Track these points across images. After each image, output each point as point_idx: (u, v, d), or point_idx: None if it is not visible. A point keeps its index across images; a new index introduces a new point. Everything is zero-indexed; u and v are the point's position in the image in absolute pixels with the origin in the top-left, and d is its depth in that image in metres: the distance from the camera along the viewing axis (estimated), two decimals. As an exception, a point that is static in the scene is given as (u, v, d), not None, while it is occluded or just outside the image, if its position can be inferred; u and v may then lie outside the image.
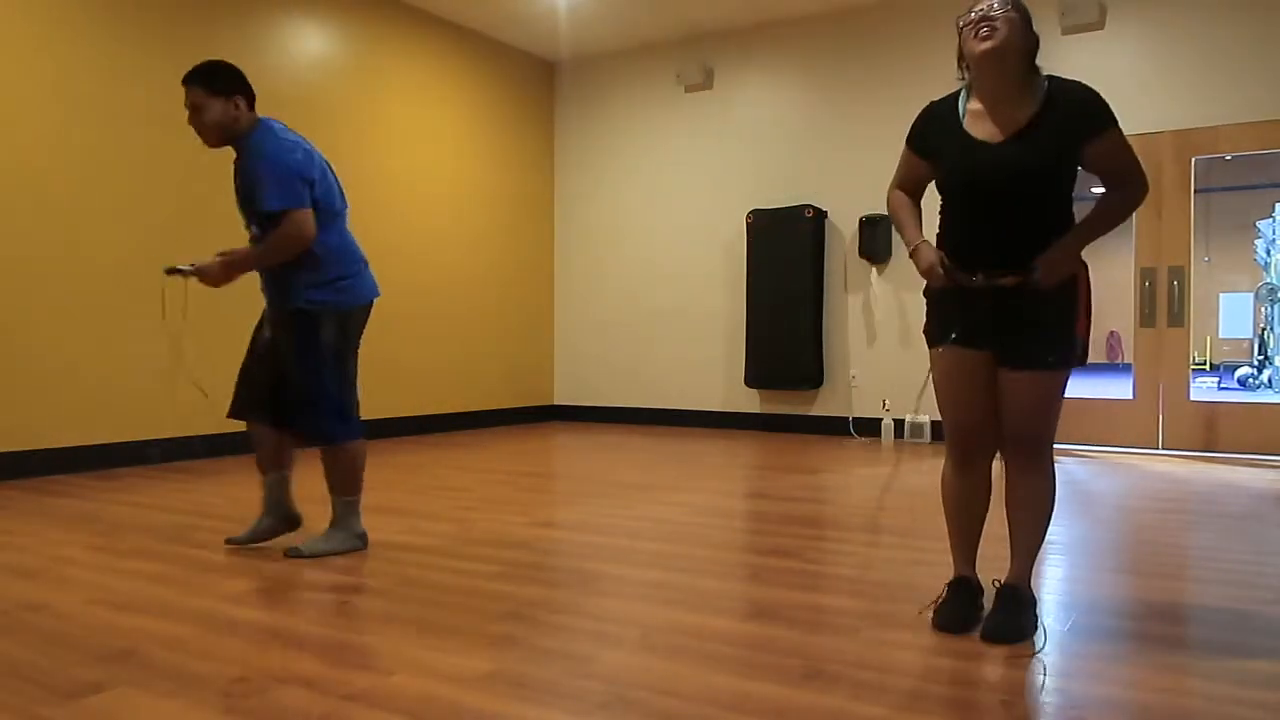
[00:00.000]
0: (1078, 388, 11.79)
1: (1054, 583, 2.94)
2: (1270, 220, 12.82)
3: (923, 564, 3.08)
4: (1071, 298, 2.32)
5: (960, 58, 2.34)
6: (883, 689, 2.00)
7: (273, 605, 2.62)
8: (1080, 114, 2.26)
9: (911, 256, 2.43)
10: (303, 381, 3.15)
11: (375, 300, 3.31)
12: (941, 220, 2.44)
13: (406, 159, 7.17)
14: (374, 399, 6.95)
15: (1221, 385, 13.26)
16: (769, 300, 7.40)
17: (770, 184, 7.54)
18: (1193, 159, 6.21)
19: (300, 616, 2.52)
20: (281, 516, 3.32)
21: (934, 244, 2.43)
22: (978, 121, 2.33)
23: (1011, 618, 2.34)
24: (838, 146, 7.26)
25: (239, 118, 3.11)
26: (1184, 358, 6.30)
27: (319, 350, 3.14)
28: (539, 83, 8.49)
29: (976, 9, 2.27)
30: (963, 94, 2.39)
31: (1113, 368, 17.58)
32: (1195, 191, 6.27)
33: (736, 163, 7.75)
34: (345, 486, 3.25)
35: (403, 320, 7.12)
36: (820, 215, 7.28)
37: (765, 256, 7.42)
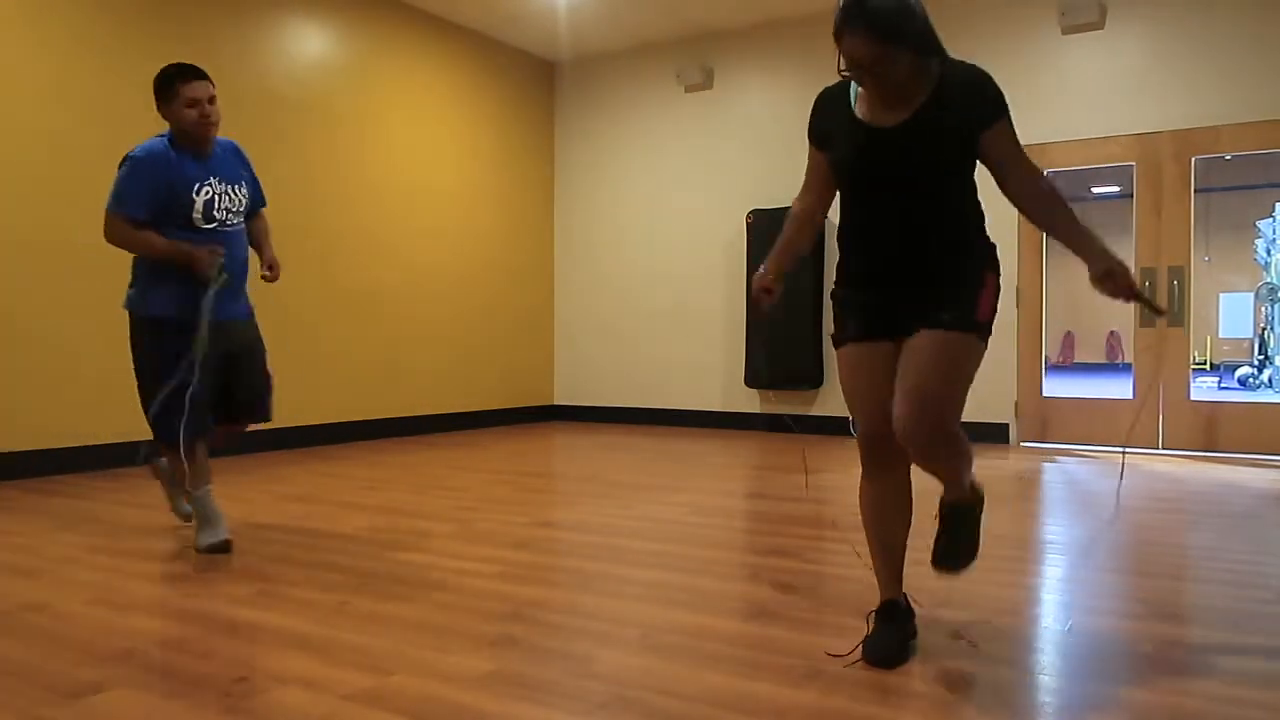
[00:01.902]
0: (1077, 388, 11.62)
1: (1054, 583, 2.94)
2: (1270, 220, 12.83)
3: (922, 564, 3.07)
4: (975, 285, 2.16)
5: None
6: (883, 689, 2.00)
7: (273, 605, 2.62)
8: (975, 102, 2.13)
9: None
10: (264, 372, 3.53)
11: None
12: (841, 222, 2.32)
13: (406, 159, 7.17)
14: (374, 399, 6.98)
15: (1222, 385, 13.27)
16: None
17: (770, 184, 7.54)
18: (1193, 159, 6.21)
19: (300, 616, 2.52)
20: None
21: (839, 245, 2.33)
22: (868, 105, 2.20)
23: (956, 537, 2.22)
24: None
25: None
26: (1184, 358, 6.30)
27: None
28: (539, 83, 8.49)
29: (847, 55, 2.13)
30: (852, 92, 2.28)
31: (1113, 367, 17.59)
32: (1195, 191, 6.27)
33: (736, 163, 7.75)
34: None
35: (402, 320, 7.12)
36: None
37: (765, 256, 7.40)
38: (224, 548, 3.23)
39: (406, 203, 7.18)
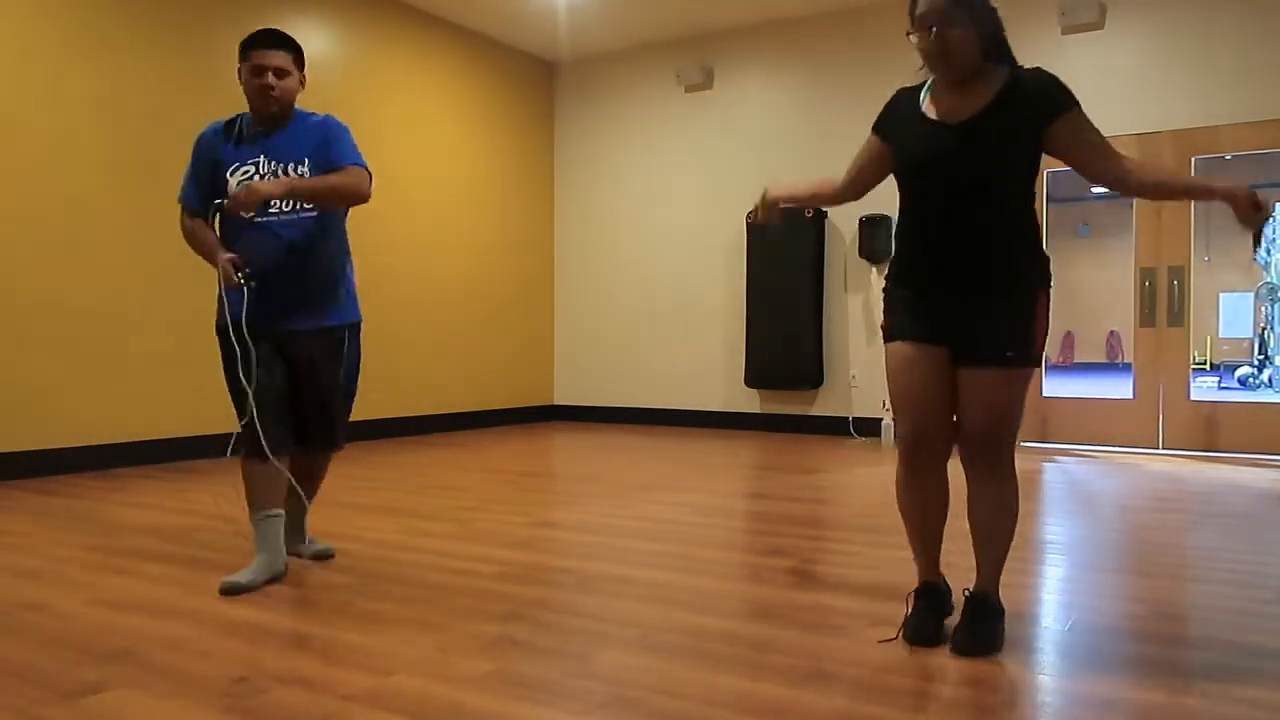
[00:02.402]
0: (1078, 388, 11.63)
1: (1054, 583, 2.94)
2: (1270, 220, 12.82)
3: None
4: (1030, 299, 2.26)
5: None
6: (883, 689, 2.00)
7: (273, 605, 2.62)
8: (1041, 97, 2.20)
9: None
10: (345, 395, 3.07)
11: None
12: (901, 222, 2.38)
13: (406, 159, 7.17)
14: (374, 399, 6.96)
15: (1222, 385, 13.26)
16: (769, 300, 7.40)
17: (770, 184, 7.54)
18: (1193, 159, 6.21)
19: (300, 616, 2.52)
20: (282, 556, 2.94)
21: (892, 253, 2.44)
22: (936, 105, 2.30)
23: (980, 629, 2.27)
24: (838, 146, 7.24)
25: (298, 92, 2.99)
26: (1184, 357, 6.30)
27: (358, 361, 3.10)
28: (539, 83, 8.49)
29: (920, 14, 2.21)
30: (927, 84, 2.36)
31: (1113, 367, 17.59)
32: (1195, 191, 6.26)
33: (736, 163, 7.75)
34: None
35: (402, 320, 7.12)
36: (820, 215, 7.28)
37: (765, 256, 7.43)
38: (232, 589, 2.75)
39: (406, 203, 7.18)
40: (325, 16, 6.54)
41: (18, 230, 4.92)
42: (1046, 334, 2.30)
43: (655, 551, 3.30)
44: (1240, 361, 14.24)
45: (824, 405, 7.39)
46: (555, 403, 8.65)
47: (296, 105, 2.98)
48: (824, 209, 7.28)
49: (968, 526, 2.36)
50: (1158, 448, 6.31)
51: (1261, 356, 13.04)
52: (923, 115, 2.31)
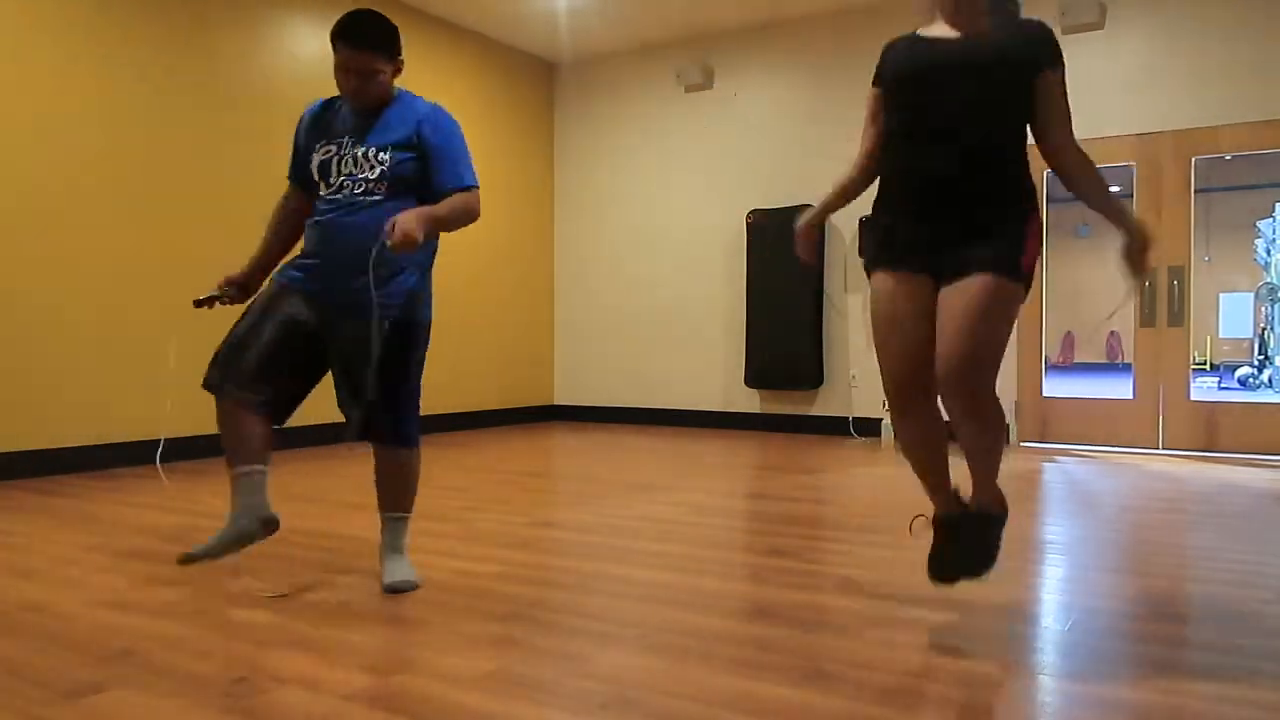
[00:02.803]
0: (1078, 388, 11.64)
1: (1054, 583, 2.94)
2: (1270, 220, 12.83)
3: (922, 564, 3.07)
4: (1020, 221, 2.23)
5: None
6: (883, 689, 2.00)
7: (273, 605, 2.62)
8: (1043, 42, 2.25)
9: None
10: (408, 383, 2.84)
11: None
12: (887, 142, 2.36)
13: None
14: (374, 399, 6.96)
15: (1222, 385, 13.26)
16: (769, 300, 7.40)
17: (770, 184, 7.54)
18: (1193, 159, 6.21)
19: (300, 616, 2.52)
20: (262, 518, 2.76)
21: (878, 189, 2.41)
22: (937, 32, 2.32)
23: (974, 545, 2.29)
24: (838, 146, 7.25)
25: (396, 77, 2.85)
26: (1184, 358, 6.30)
27: (421, 360, 2.89)
28: (539, 83, 8.49)
29: None
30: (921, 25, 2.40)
31: (1113, 367, 17.58)
32: (1195, 191, 6.27)
33: (736, 163, 7.75)
34: (404, 499, 2.92)
35: (403, 320, 7.11)
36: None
37: (765, 256, 7.43)
38: (186, 559, 2.61)
39: (406, 203, 7.17)
40: (326, 16, 6.54)
41: (17, 230, 4.92)
42: (1036, 255, 2.24)
43: (655, 551, 3.30)
44: (1240, 362, 14.24)
45: (824, 405, 7.39)
46: (555, 403, 8.65)
47: (398, 86, 2.87)
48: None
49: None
50: (1158, 448, 6.31)
51: (1261, 357, 13.04)
52: (919, 38, 2.33)
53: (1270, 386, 12.46)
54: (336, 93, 2.90)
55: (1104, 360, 19.16)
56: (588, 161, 8.50)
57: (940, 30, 2.30)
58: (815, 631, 2.39)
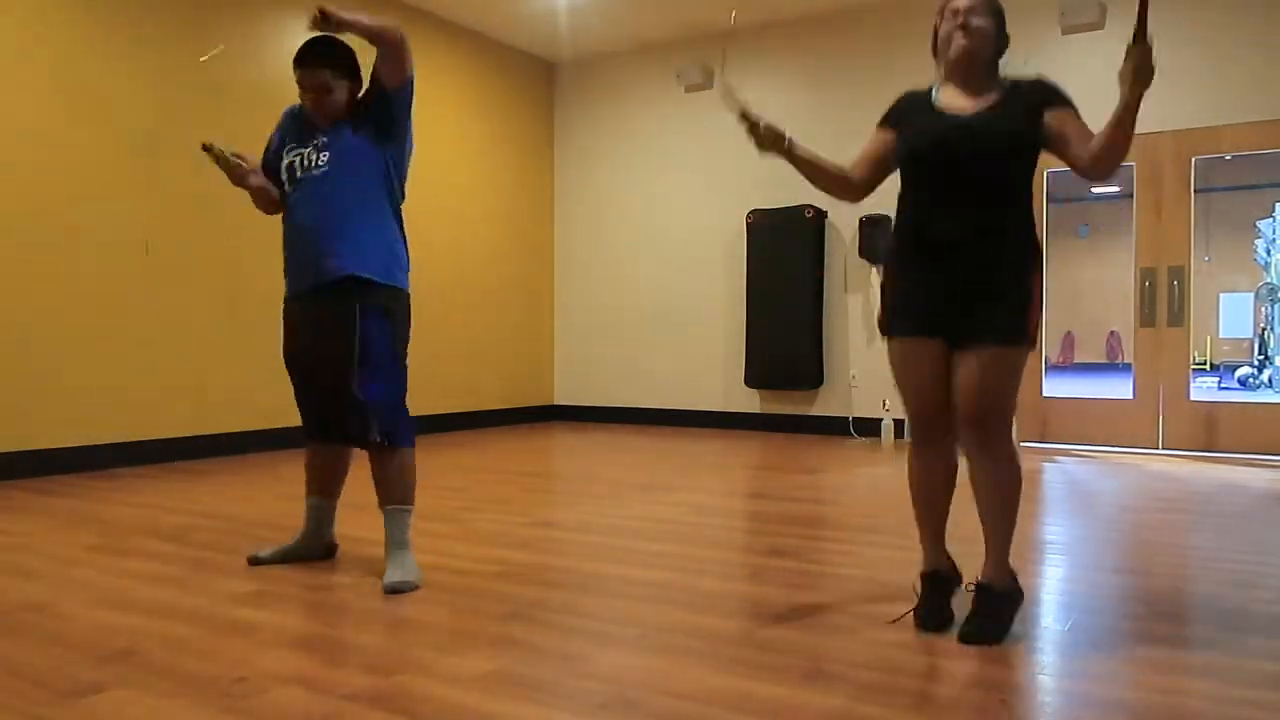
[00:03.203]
0: (1078, 388, 11.62)
1: (1054, 583, 2.94)
2: (1270, 220, 12.83)
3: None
4: (1025, 282, 2.38)
5: (934, 48, 2.51)
6: (883, 689, 2.00)
7: (273, 605, 2.62)
8: (1040, 90, 2.43)
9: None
10: (378, 372, 2.90)
11: None
12: (902, 205, 2.51)
13: (406, 159, 7.16)
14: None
15: (1222, 385, 13.26)
16: (769, 300, 7.40)
17: (770, 184, 7.54)
18: (1193, 159, 6.21)
19: (300, 616, 2.52)
20: (324, 544, 3.11)
21: (892, 229, 2.57)
22: (950, 102, 2.47)
23: (987, 620, 2.33)
24: (838, 146, 7.23)
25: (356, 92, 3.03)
26: (1184, 358, 6.30)
27: (395, 339, 2.99)
28: (539, 83, 8.49)
29: (954, 7, 2.44)
30: (934, 87, 2.54)
31: (1113, 368, 17.59)
32: (1195, 191, 6.27)
33: (736, 163, 7.74)
34: (400, 493, 2.97)
35: (403, 320, 7.11)
36: (820, 215, 7.28)
37: (765, 256, 7.42)
38: (252, 560, 3.00)
39: (406, 202, 7.17)
40: (325, 16, 6.54)
41: (18, 230, 4.92)
42: (1041, 315, 2.41)
43: (655, 551, 3.30)
44: (1240, 362, 14.24)
45: (824, 405, 7.39)
46: (555, 403, 8.65)
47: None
48: (823, 209, 7.29)
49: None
50: (1158, 448, 6.31)
51: (1261, 357, 13.04)
52: (934, 107, 2.47)
53: (1270, 386, 12.46)
54: None
55: (1104, 360, 19.16)
56: (588, 161, 8.50)
57: (952, 98, 2.46)
58: (815, 631, 2.39)
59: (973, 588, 2.41)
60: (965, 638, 2.30)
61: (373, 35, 2.80)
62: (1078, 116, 2.41)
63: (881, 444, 6.75)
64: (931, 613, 2.41)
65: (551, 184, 8.66)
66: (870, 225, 7.07)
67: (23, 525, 3.74)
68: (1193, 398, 6.31)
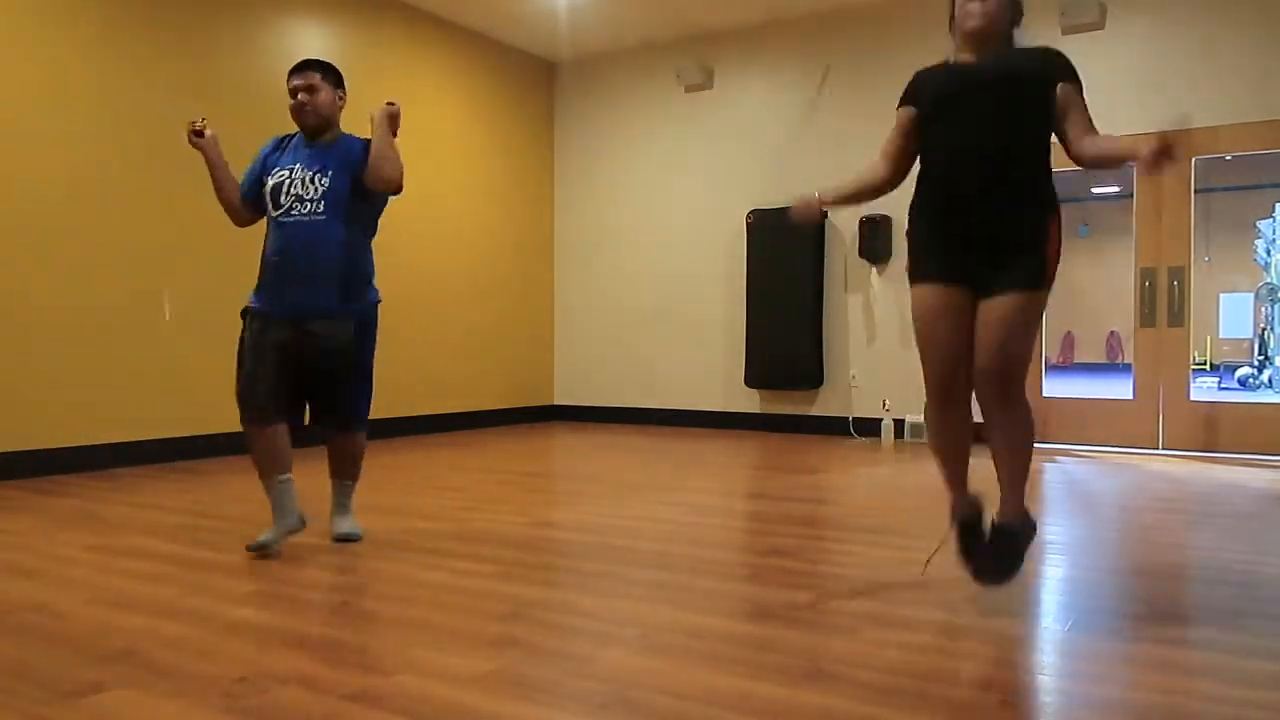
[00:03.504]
0: (1078, 388, 11.64)
1: (1054, 583, 2.94)
2: (1270, 220, 12.83)
3: (922, 564, 3.07)
4: (1044, 226, 2.49)
5: (950, 24, 2.59)
6: (883, 689, 2.00)
7: (273, 605, 2.62)
8: (1054, 61, 2.53)
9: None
10: (360, 375, 3.39)
11: None
12: (923, 161, 2.62)
13: (406, 159, 7.14)
14: (375, 399, 6.95)
15: (1222, 385, 13.26)
16: (769, 300, 7.40)
17: (770, 184, 7.54)
18: (1193, 159, 6.21)
19: (300, 616, 2.52)
20: (299, 516, 3.33)
21: (915, 199, 2.65)
22: (962, 58, 2.61)
23: (1004, 556, 2.50)
24: (838, 146, 7.26)
25: (340, 110, 3.45)
26: (1184, 358, 6.30)
27: (373, 345, 3.45)
28: (539, 83, 8.49)
29: None
30: (949, 59, 2.66)
31: (1113, 368, 17.58)
32: (1195, 191, 6.27)
33: (736, 163, 7.75)
34: (358, 470, 3.52)
35: (402, 320, 7.11)
36: (820, 215, 7.27)
37: (765, 256, 7.43)
38: (257, 547, 3.17)
39: (405, 203, 7.16)
40: (325, 17, 6.54)
41: (18, 230, 4.92)
42: (1058, 258, 2.52)
43: (655, 551, 3.30)
44: (1240, 362, 14.23)
45: (824, 405, 7.39)
46: (555, 403, 8.65)
47: (343, 129, 3.45)
48: (826, 214, 7.28)
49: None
50: (1158, 448, 6.31)
51: (1261, 357, 13.04)
52: (949, 64, 2.59)
53: (1270, 386, 12.45)
54: None
55: (1104, 360, 19.16)
56: (588, 161, 8.50)
57: (967, 59, 2.59)
58: (815, 631, 2.39)
59: (994, 523, 2.57)
60: (979, 573, 2.49)
61: (388, 160, 3.34)
62: (1082, 100, 2.50)
63: (881, 444, 6.75)
64: (971, 550, 2.58)
65: (551, 184, 8.66)
66: (870, 225, 7.07)
67: (23, 525, 3.74)
68: (1193, 398, 6.31)
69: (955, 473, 2.65)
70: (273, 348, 3.24)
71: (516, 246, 8.25)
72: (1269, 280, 12.66)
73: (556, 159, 8.66)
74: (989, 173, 2.46)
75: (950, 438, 2.61)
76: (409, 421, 7.16)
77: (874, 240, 7.08)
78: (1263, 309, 13.12)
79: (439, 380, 7.46)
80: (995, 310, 2.45)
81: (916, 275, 2.59)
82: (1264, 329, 13.08)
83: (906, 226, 2.66)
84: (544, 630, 2.40)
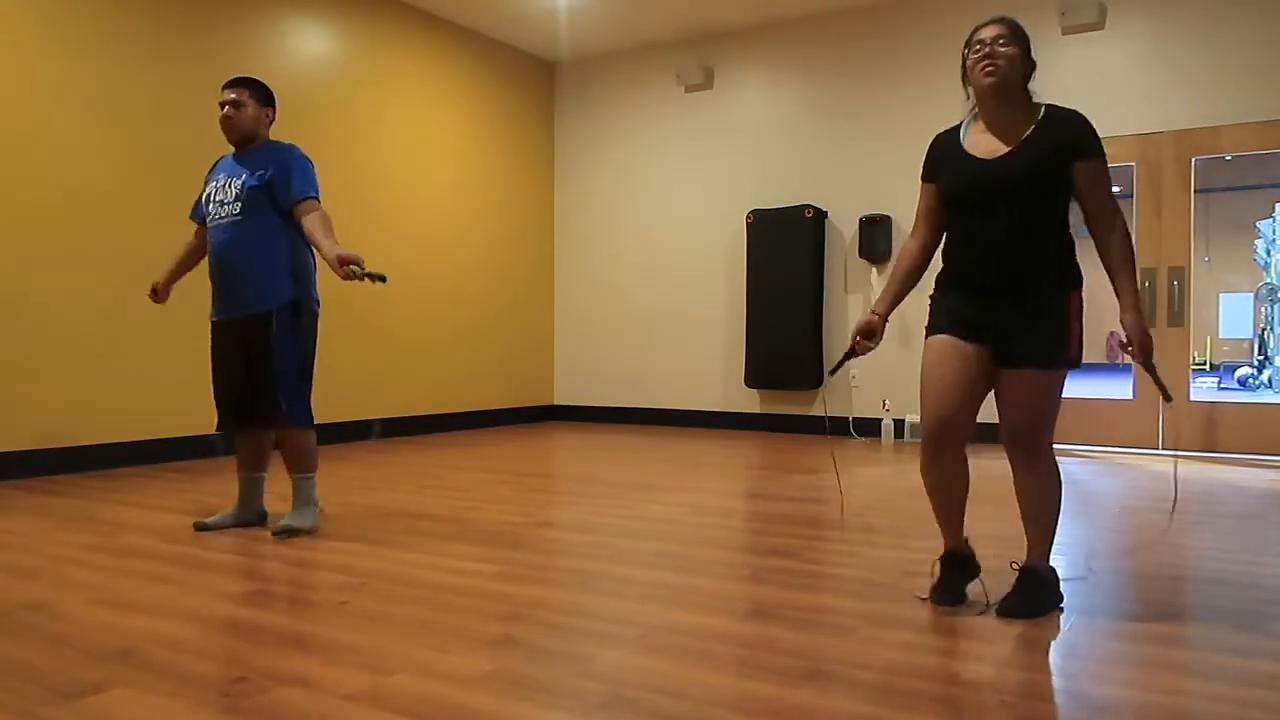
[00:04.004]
0: (1077, 388, 11.80)
1: (1054, 583, 2.94)
2: (1270, 220, 12.82)
3: (922, 564, 3.07)
4: (1064, 304, 2.48)
5: (964, 79, 2.55)
6: (883, 689, 2.00)
7: (273, 605, 2.62)
8: (1075, 136, 2.47)
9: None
10: (285, 370, 3.49)
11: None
12: (947, 241, 2.63)
13: (406, 160, 7.17)
14: (374, 399, 6.97)
15: (1221, 385, 13.26)
16: (769, 300, 7.40)
17: (770, 184, 7.54)
18: (1193, 159, 6.21)
19: (300, 616, 2.52)
20: (258, 511, 3.72)
21: (943, 269, 2.64)
22: (978, 141, 2.55)
23: (1027, 595, 2.50)
24: (838, 146, 7.26)
25: (266, 124, 3.65)
26: (1184, 358, 6.30)
27: (302, 341, 3.55)
28: (539, 83, 8.49)
29: (980, 38, 2.49)
30: (965, 123, 2.61)
31: (1113, 367, 17.57)
32: (1195, 191, 6.27)
33: (736, 163, 7.75)
34: (305, 464, 3.64)
35: (403, 320, 7.12)
36: (820, 215, 7.28)
37: (765, 256, 7.42)
38: (200, 526, 3.61)
39: (406, 203, 7.18)
40: (325, 16, 6.54)
41: (17, 230, 4.92)
42: (1082, 333, 2.52)
43: (655, 551, 3.30)
44: (1240, 362, 14.24)
45: (824, 406, 7.38)
46: (555, 403, 8.65)
47: (272, 137, 3.65)
48: (823, 209, 7.29)
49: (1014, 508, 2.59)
50: (1158, 448, 6.31)
51: (1261, 357, 13.04)
52: (965, 153, 2.54)
53: (1270, 386, 12.45)
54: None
55: (1104, 360, 19.15)
56: (587, 161, 8.50)
57: (979, 137, 2.53)
58: (815, 631, 2.39)
59: (1017, 566, 2.57)
60: (1005, 609, 2.46)
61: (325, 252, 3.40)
62: (1105, 174, 2.49)
63: (881, 444, 6.75)
64: (945, 589, 2.56)
65: (551, 184, 8.65)
66: (870, 225, 7.07)
67: (23, 525, 3.74)
68: (1193, 398, 6.31)
69: (948, 518, 2.62)
70: (223, 356, 3.56)
71: (517, 246, 8.25)
72: (1269, 280, 12.66)
73: (556, 159, 8.66)
74: (1007, 263, 2.47)
75: (944, 483, 2.57)
76: (410, 421, 7.16)
77: (874, 240, 7.08)
78: (1262, 309, 13.12)
79: (439, 380, 7.46)
80: (1019, 382, 2.48)
81: (932, 329, 2.59)
82: (1264, 329, 13.08)
83: (932, 292, 2.65)
84: (544, 630, 2.40)
